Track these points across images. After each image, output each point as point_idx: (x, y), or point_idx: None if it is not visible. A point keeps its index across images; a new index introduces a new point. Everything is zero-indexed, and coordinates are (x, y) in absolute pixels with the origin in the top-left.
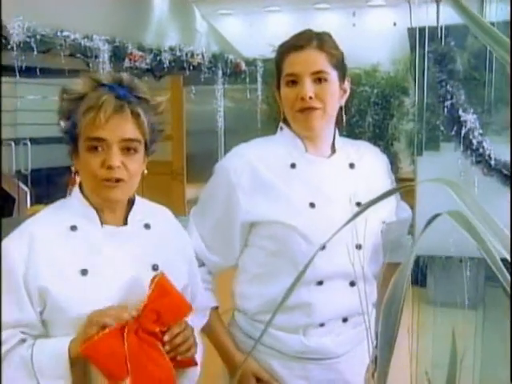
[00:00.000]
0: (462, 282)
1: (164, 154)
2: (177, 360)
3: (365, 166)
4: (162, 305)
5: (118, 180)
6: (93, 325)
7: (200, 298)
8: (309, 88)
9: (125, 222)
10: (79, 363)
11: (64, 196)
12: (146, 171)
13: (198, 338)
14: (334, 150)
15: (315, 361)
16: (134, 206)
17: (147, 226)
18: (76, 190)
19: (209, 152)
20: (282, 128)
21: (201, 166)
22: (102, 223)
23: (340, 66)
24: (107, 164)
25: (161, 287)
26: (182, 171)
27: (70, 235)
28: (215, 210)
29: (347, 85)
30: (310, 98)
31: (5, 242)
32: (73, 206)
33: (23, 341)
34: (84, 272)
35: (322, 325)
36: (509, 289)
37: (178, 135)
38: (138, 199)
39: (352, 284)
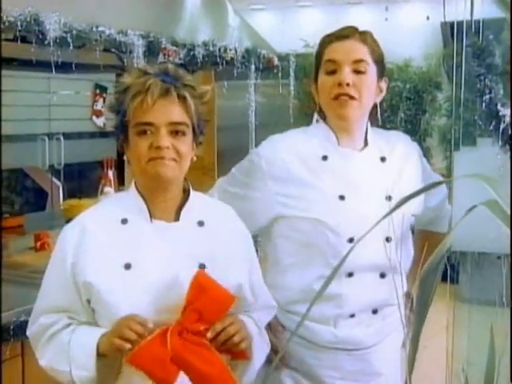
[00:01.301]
0: (495, 280)
1: None
2: (230, 351)
3: (396, 158)
4: (202, 303)
5: (166, 159)
6: (119, 332)
7: (264, 296)
8: (347, 75)
9: (177, 218)
10: (108, 358)
11: (96, 191)
12: (195, 158)
13: (264, 334)
14: (366, 143)
15: (345, 351)
16: (189, 201)
17: (201, 223)
18: (132, 184)
19: (240, 147)
20: (317, 120)
21: (232, 161)
22: (151, 218)
23: (379, 62)
24: (155, 145)
25: (199, 285)
26: (213, 166)
27: (120, 228)
28: (241, 187)
29: (384, 85)
30: (348, 84)
31: (62, 231)
32: (126, 200)
33: (68, 326)
34: (127, 266)
35: (352, 316)
36: None
37: (209, 130)
38: (194, 194)
39: (382, 276)
